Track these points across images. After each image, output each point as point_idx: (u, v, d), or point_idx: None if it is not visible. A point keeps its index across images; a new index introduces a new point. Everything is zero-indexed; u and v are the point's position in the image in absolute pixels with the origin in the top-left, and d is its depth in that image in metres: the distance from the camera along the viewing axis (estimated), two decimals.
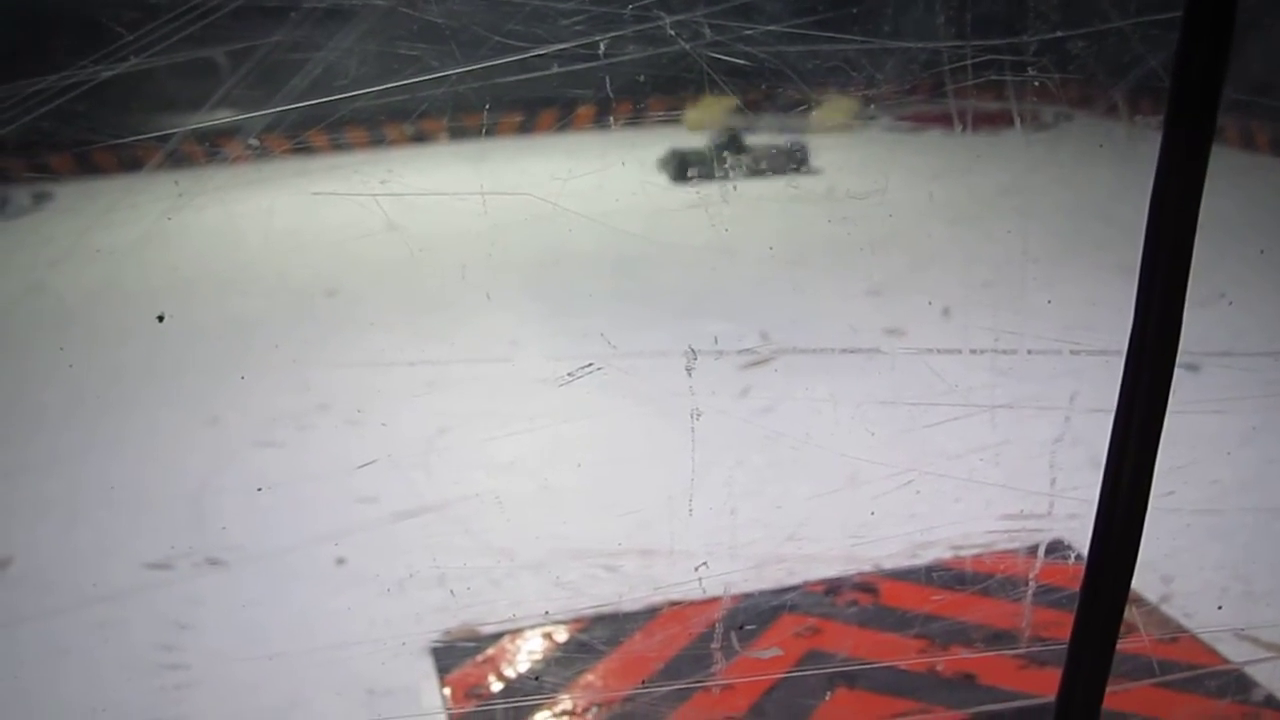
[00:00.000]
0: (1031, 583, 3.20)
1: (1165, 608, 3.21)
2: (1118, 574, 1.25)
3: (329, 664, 3.08)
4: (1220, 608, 3.19)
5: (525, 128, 9.79)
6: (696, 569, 3.33)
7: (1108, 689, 2.75)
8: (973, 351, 4.75)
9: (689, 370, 4.58)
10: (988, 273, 5.98)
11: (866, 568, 3.42)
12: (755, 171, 8.27)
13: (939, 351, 4.87)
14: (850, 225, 7.07)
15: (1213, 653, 3.03)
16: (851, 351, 4.88)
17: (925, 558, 3.46)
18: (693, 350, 4.69)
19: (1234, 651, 3.02)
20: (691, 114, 8.73)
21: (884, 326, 5.21)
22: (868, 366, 4.78)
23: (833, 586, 3.33)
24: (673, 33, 5.54)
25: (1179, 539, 3.48)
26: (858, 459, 4.03)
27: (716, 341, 4.86)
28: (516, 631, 3.18)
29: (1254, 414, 4.31)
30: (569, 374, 4.70)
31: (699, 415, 4.24)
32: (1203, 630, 3.11)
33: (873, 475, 3.91)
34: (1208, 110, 1.19)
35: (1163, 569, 3.32)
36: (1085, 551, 1.30)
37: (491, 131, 9.77)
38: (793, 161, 8.45)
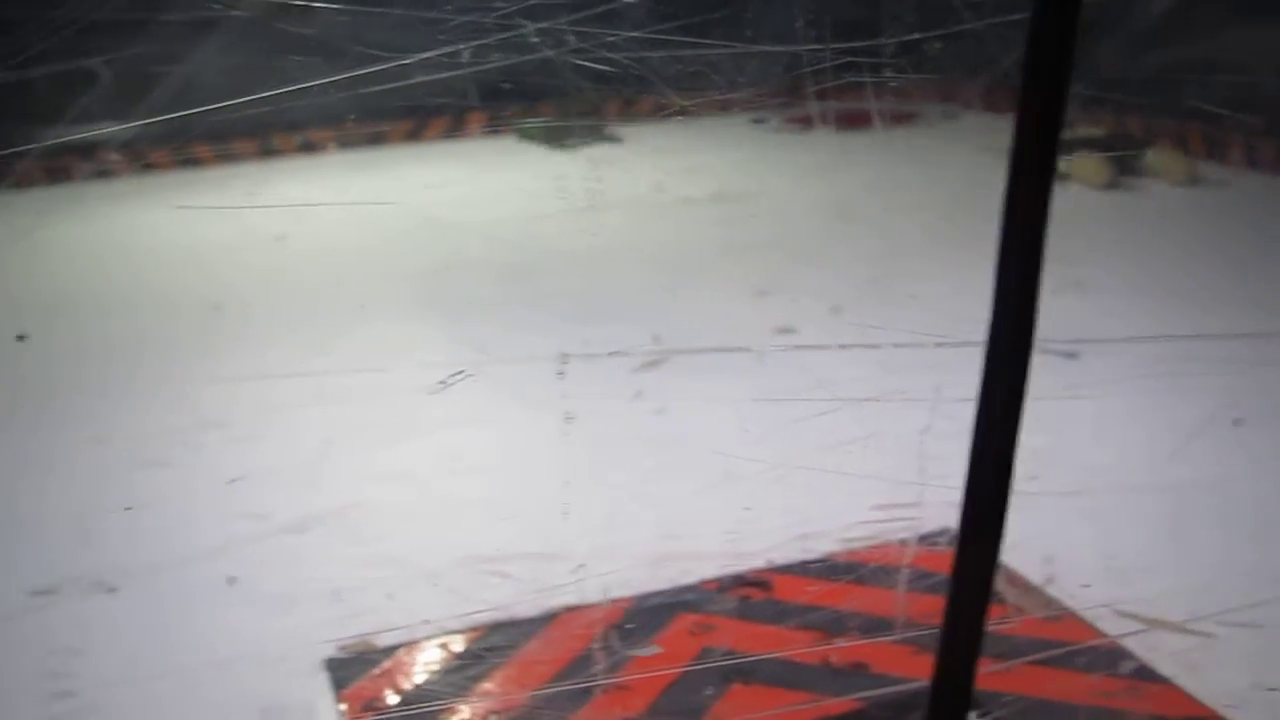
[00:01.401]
0: (907, 570, 3.27)
1: (1049, 589, 3.31)
2: (983, 557, 1.29)
3: (221, 683, 3.03)
4: (1087, 586, 3.30)
5: (394, 137, 9.72)
6: (575, 570, 3.35)
7: (988, 669, 2.84)
8: (842, 347, 4.85)
9: (560, 374, 4.60)
10: (859, 269, 6.09)
11: (758, 563, 3.46)
12: None
13: (811, 348, 4.96)
14: (731, 226, 7.18)
15: (1091, 628, 3.13)
16: (731, 351, 4.94)
17: (812, 551, 3.51)
18: (564, 355, 4.72)
19: (1112, 626, 3.12)
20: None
21: (768, 325, 5.28)
22: (749, 365, 4.84)
23: (725, 584, 3.37)
24: (536, 40, 5.55)
25: (1060, 521, 3.59)
26: (735, 456, 4.08)
27: (602, 346, 4.89)
28: (412, 642, 3.16)
29: (1127, 397, 4.47)
30: (441, 381, 4.69)
31: (573, 418, 4.27)
32: (1084, 608, 3.21)
33: (749, 471, 3.97)
34: (1055, 106, 1.24)
35: (1045, 550, 3.42)
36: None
37: (360, 142, 9.70)
38: None
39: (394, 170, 8.99)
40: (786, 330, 5.22)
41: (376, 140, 9.69)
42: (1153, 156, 8.10)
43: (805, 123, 9.11)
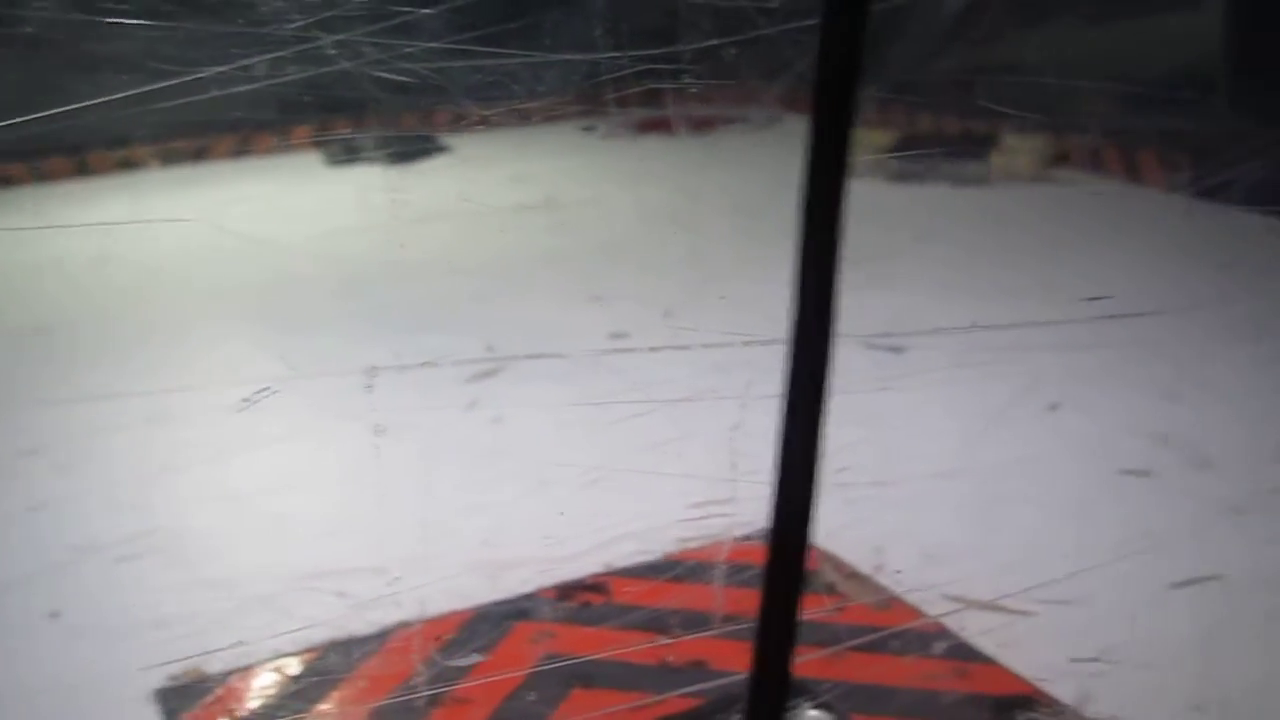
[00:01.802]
0: (725, 566, 3.33)
1: (877, 576, 3.40)
2: (794, 547, 1.33)
3: (48, 718, 2.91)
4: (899, 571, 3.41)
5: (188, 154, 9.44)
6: (398, 584, 3.31)
7: (815, 657, 2.91)
8: (653, 349, 4.91)
9: (369, 388, 4.54)
10: (683, 273, 6.14)
11: (589, 568, 3.47)
12: None
13: (627, 351, 5.00)
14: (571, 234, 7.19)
15: (916, 612, 3.23)
16: (553, 358, 4.94)
17: (637, 552, 3.54)
18: (373, 368, 4.66)
19: (936, 609, 3.23)
20: None
21: (596, 331, 5.29)
22: (571, 372, 4.85)
23: (562, 590, 3.37)
24: (334, 52, 5.47)
25: (882, 510, 3.70)
26: (554, 462, 4.09)
27: (423, 357, 4.85)
28: (245, 667, 3.08)
29: (942, 387, 4.63)
30: (244, 399, 4.58)
31: (386, 431, 4.22)
32: (908, 592, 3.31)
33: (568, 476, 3.99)
34: (846, 108, 1.28)
35: (873, 539, 3.52)
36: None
37: (182, 158, 9.39)
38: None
39: (211, 186, 8.74)
40: (617, 335, 5.25)
41: (171, 157, 9.40)
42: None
43: (643, 128, 9.15)
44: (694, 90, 5.13)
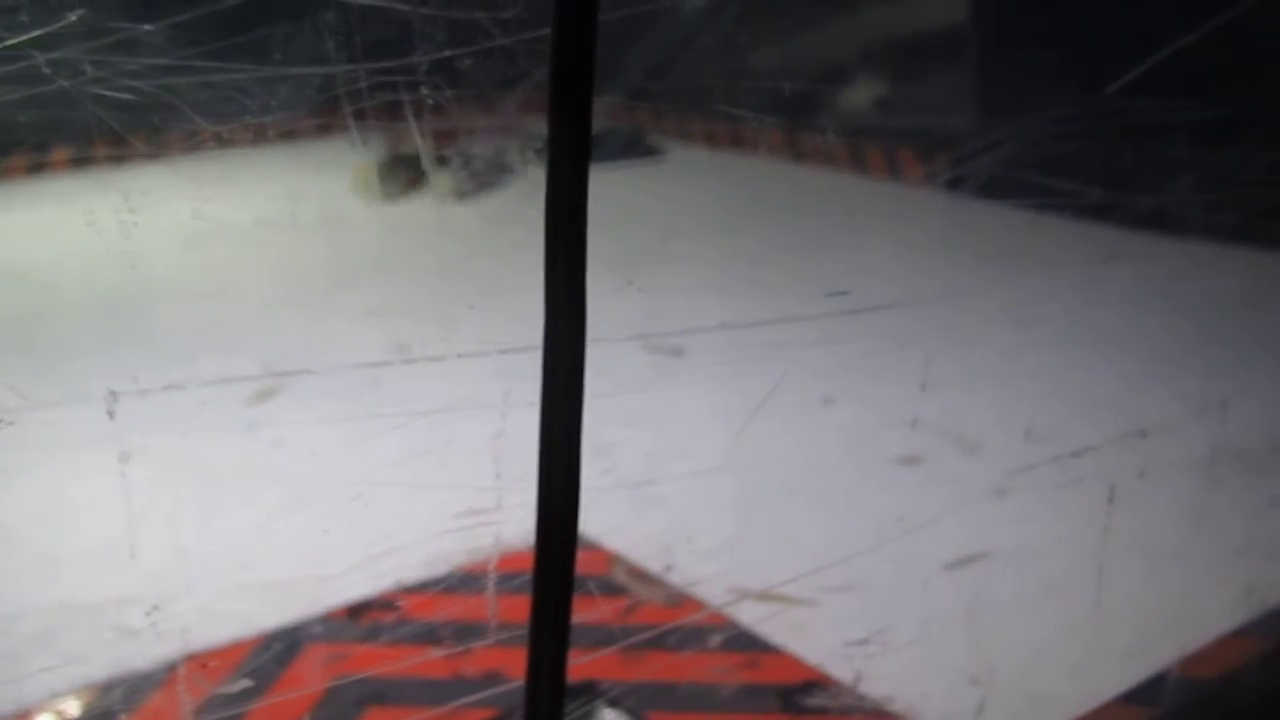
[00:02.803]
0: (496, 574, 3.32)
1: (669, 576, 3.45)
2: (562, 549, 1.34)
3: None
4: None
5: None
6: (148, 613, 3.18)
7: (604, 656, 2.92)
8: (406, 361, 4.86)
9: (110, 414, 4.34)
10: (406, 287, 6.08)
11: (365, 584, 3.41)
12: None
13: (374, 366, 4.92)
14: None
15: (704, 607, 3.30)
16: (299, 374, 4.82)
17: (419, 567, 3.51)
18: (113, 392, 4.46)
19: (722, 601, 3.30)
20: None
21: (348, 347, 5.19)
22: (325, 389, 4.74)
23: (352, 610, 3.30)
24: (49, 71, 5.21)
25: (677, 510, 3.75)
26: (307, 479, 4.01)
27: (156, 381, 4.64)
28: (24, 713, 2.90)
29: (715, 385, 4.71)
30: None
31: (129, 458, 4.04)
32: (699, 589, 3.37)
33: (326, 493, 3.92)
34: (582, 113, 1.30)
35: (664, 540, 3.56)
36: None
37: None
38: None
39: None
40: (400, 347, 5.14)
41: None
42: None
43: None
44: (432, 102, 5.09)
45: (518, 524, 3.49)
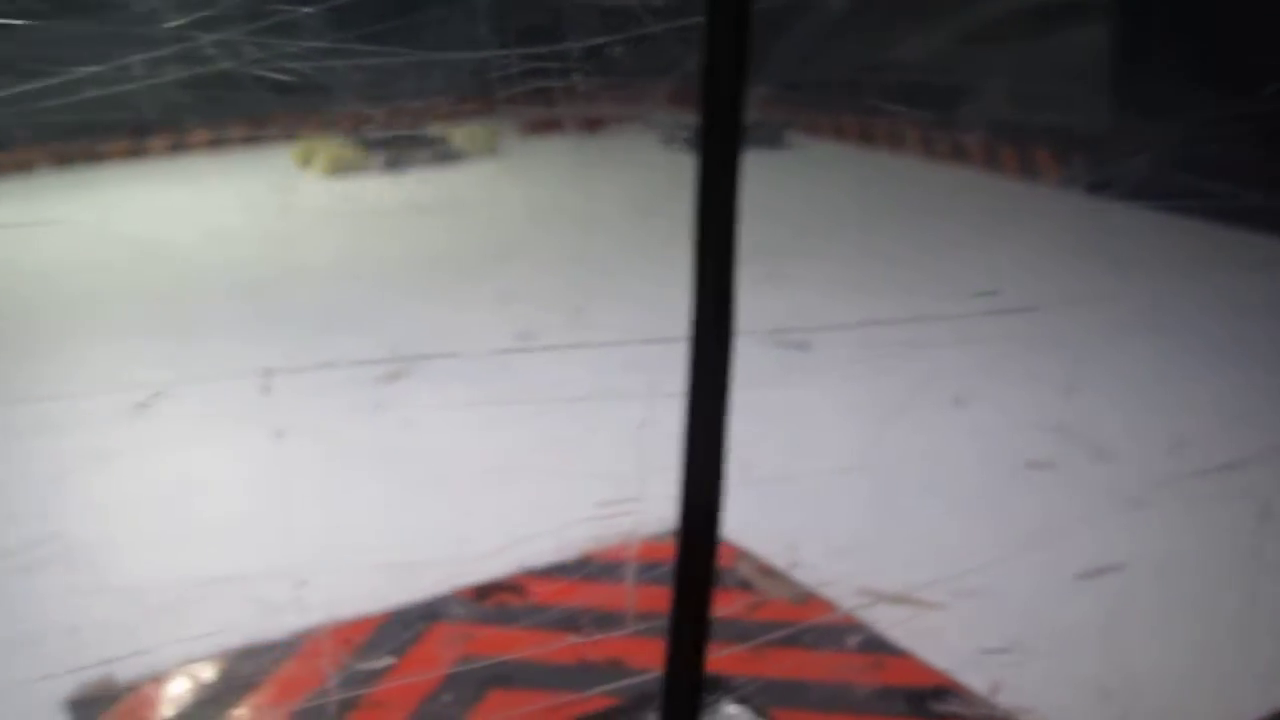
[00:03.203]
0: (636, 564, 3.33)
1: (795, 572, 3.42)
2: (703, 545, 1.33)
3: None
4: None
5: (78, 156, 9.17)
6: (308, 588, 3.26)
7: (734, 652, 2.92)
8: (547, 348, 4.89)
9: (266, 390, 4.46)
10: (585, 273, 6.09)
11: (501, 567, 3.44)
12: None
13: (526, 351, 4.97)
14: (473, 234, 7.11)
15: (832, 607, 3.27)
16: (452, 358, 4.88)
17: (550, 552, 3.53)
18: (268, 370, 4.57)
19: (852, 603, 3.27)
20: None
21: (499, 332, 5.24)
22: (469, 373, 4.80)
23: (479, 591, 3.34)
24: (213, 52, 5.36)
25: (802, 506, 3.73)
26: (469, 462, 4.07)
27: (325, 359, 4.77)
28: (158, 676, 3.00)
29: (845, 383, 4.68)
30: (140, 404, 4.48)
31: (287, 434, 4.15)
32: (826, 588, 3.34)
33: (474, 476, 3.97)
34: (735, 105, 1.28)
35: (789, 536, 3.54)
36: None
37: (43, 162, 9.11)
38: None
39: (102, 188, 8.49)
40: (521, 335, 5.21)
41: (91, 158, 9.12)
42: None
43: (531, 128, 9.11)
44: (583, 89, 5.13)
45: (657, 515, 3.51)
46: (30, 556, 3.59)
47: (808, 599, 3.32)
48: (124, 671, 3.00)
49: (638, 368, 4.67)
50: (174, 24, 5.13)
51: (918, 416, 4.46)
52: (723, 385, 1.29)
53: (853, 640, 3.14)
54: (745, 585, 3.36)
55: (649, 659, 3.00)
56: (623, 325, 5.00)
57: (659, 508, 3.50)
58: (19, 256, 6.56)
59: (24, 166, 8.80)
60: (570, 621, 3.19)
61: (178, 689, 2.97)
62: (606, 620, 3.18)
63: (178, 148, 9.44)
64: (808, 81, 8.51)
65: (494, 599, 3.33)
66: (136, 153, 9.34)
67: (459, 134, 9.03)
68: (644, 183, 7.49)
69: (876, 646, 3.11)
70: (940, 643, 3.11)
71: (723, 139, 1.29)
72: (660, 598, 3.00)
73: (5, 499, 3.97)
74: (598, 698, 2.91)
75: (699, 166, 1.30)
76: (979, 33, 8.43)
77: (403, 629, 3.18)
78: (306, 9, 5.12)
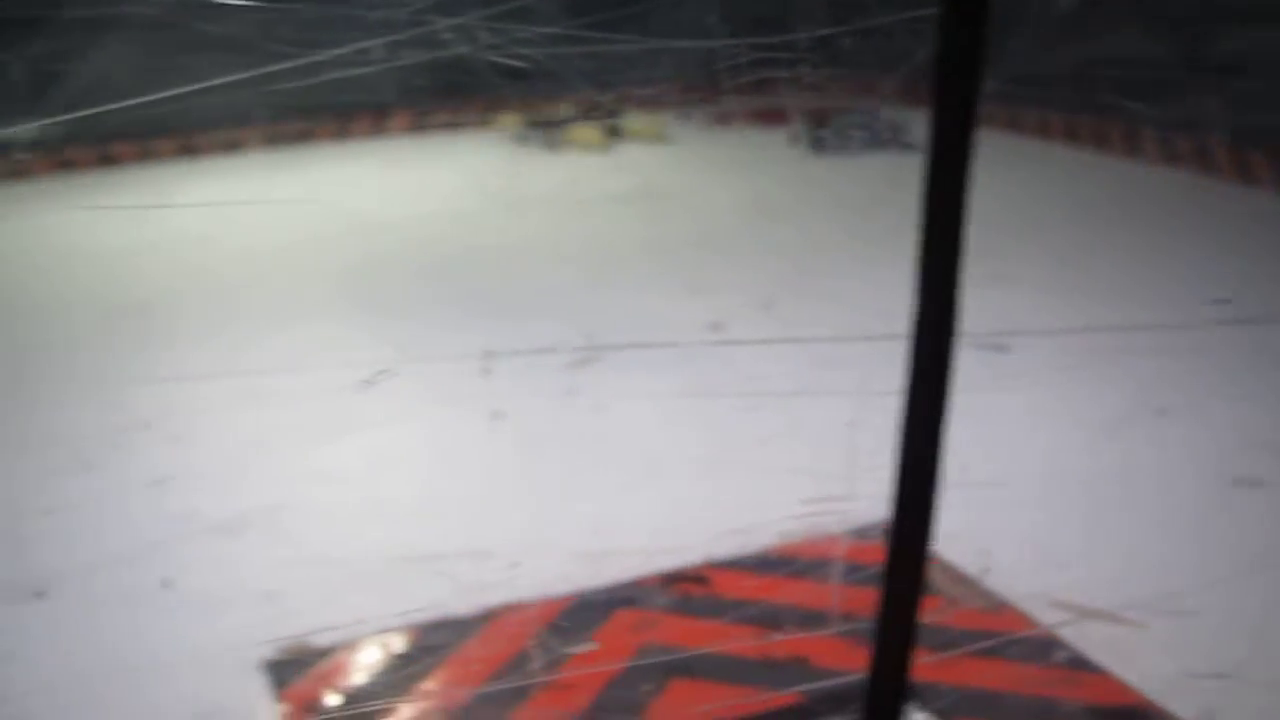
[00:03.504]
0: (843, 563, 3.29)
1: (987, 580, 3.34)
2: (914, 549, 1.30)
3: (158, 686, 2.97)
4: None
5: (308, 135, 9.57)
6: (510, 568, 3.32)
7: (925, 660, 2.86)
8: (764, 342, 4.87)
9: (486, 372, 4.57)
10: (788, 266, 6.08)
11: (693, 559, 3.45)
12: None
13: (737, 344, 4.96)
14: (665, 223, 7.16)
15: (1026, 619, 3.17)
16: (658, 347, 4.92)
17: (745, 545, 3.52)
18: (489, 353, 4.69)
19: (1047, 616, 3.16)
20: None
21: (699, 321, 5.26)
22: (677, 362, 4.82)
23: (665, 580, 3.36)
24: (449, 36, 5.52)
25: (992, 512, 3.63)
26: (665, 451, 4.08)
27: (528, 343, 4.87)
28: (350, 642, 3.12)
29: (1051, 389, 4.53)
30: (366, 380, 4.65)
31: (501, 416, 4.25)
32: (1018, 598, 3.25)
33: (679, 466, 3.98)
34: (968, 100, 1.24)
35: (980, 542, 3.45)
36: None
37: (284, 139, 9.55)
38: None
39: (316, 168, 8.86)
40: (715, 326, 5.21)
41: (302, 138, 9.54)
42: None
43: (762, 119, 9.13)
44: (808, 80, 5.09)
45: (866, 515, 3.45)
46: (242, 524, 3.76)
47: (1000, 608, 3.22)
48: (320, 638, 3.11)
49: (829, 363, 4.63)
50: (414, 8, 5.28)
51: (1120, 426, 4.28)
52: (942, 388, 1.25)
53: (1046, 654, 3.03)
54: (934, 590, 3.28)
55: (834, 659, 2.96)
56: (812, 320, 4.98)
57: (859, 507, 3.49)
58: (255, 233, 6.89)
59: (234, 146, 9.23)
60: (759, 616, 3.17)
61: (370, 657, 3.06)
62: (800, 618, 3.15)
63: (398, 129, 9.77)
64: (1039, 77, 8.25)
65: (681, 589, 3.33)
66: (345, 133, 9.71)
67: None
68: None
69: (1071, 662, 2.99)
70: (1142, 664, 2.97)
71: (954, 135, 1.26)
72: (854, 599, 2.95)
73: (224, 465, 4.17)
74: (781, 694, 2.88)
75: (927, 163, 1.27)
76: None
77: (588, 613, 3.20)
78: None
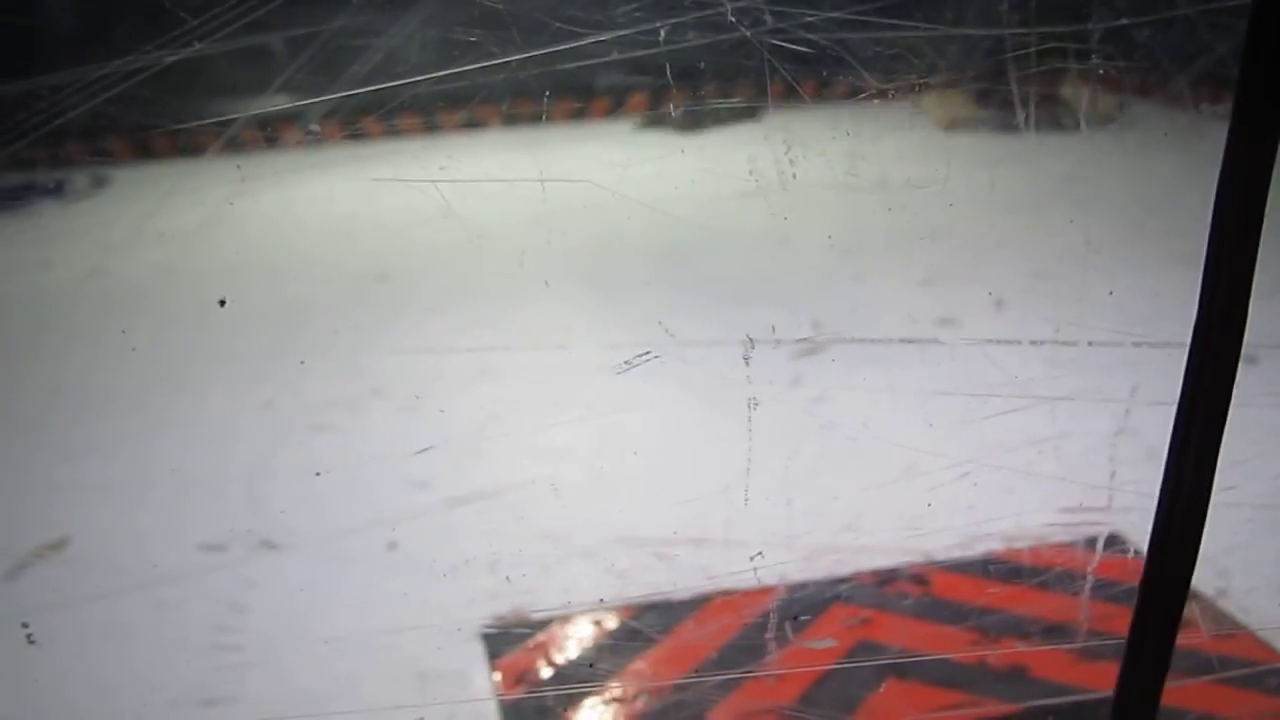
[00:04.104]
0: (1089, 576, 3.16)
1: (1222, 603, 3.16)
2: (1178, 569, 1.23)
3: (381, 648, 3.10)
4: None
5: (583, 114, 9.74)
6: (752, 559, 3.31)
7: (1165, 684, 2.72)
8: (1032, 343, 4.69)
9: (746, 359, 4.56)
10: (1048, 263, 5.88)
11: (919, 559, 3.38)
12: None
13: (997, 342, 4.81)
14: (907, 214, 6.99)
15: (1270, 649, 2.98)
16: (907, 341, 4.83)
17: (980, 550, 3.43)
18: (750, 339, 4.67)
19: None
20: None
21: (939, 316, 5.15)
22: (923, 357, 4.73)
23: (885, 578, 3.30)
24: (734, 19, 5.51)
25: (1238, 534, 3.42)
26: (914, 450, 3.99)
27: (773, 330, 4.83)
28: (567, 618, 3.18)
29: None
30: (626, 362, 4.70)
31: (756, 404, 4.23)
32: (1261, 627, 3.06)
33: (929, 466, 3.89)
34: (1277, 100, 1.16)
35: (1220, 564, 3.26)
36: (1143, 546, 1.28)
37: (550, 118, 9.76)
38: None
39: (585, 147, 9.02)
40: (950, 322, 5.07)
41: (566, 117, 9.71)
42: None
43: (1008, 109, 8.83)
44: (1101, 72, 4.86)
45: (1123, 529, 3.30)
46: (474, 494, 3.85)
47: (1234, 633, 3.02)
48: (537, 611, 3.16)
49: (1055, 365, 4.41)
50: None
51: None
52: (1223, 403, 1.17)
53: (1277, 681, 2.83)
54: None
55: (1057, 672, 2.84)
56: (1076, 322, 4.74)
57: (1105, 518, 3.32)
58: (506, 208, 7.05)
59: (480, 124, 9.43)
60: (980, 622, 3.06)
61: (583, 634, 3.09)
62: (1026, 627, 3.03)
63: (622, 112, 9.81)
64: None
65: (899, 587, 3.25)
66: (582, 115, 9.78)
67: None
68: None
69: None
70: None
71: (1257, 131, 1.17)
72: (1098, 613, 2.82)
73: (461, 437, 4.28)
74: (1001, 705, 2.78)
75: (1225, 159, 1.19)
76: None
77: (804, 606, 3.16)
78: None
